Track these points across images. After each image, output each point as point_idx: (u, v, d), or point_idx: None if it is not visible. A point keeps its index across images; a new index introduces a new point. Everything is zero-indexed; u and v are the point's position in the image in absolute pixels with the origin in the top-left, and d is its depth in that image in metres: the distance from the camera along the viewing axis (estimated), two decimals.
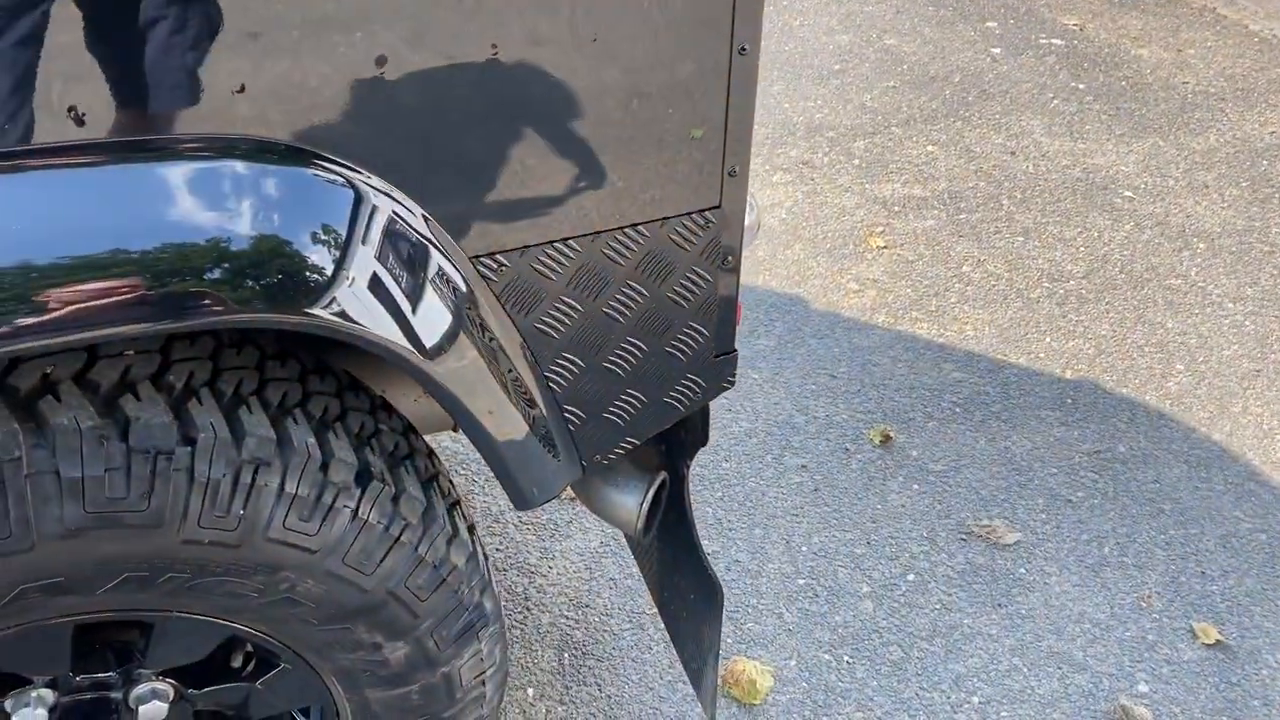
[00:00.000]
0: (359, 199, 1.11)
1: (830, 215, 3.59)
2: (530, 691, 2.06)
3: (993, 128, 4.14)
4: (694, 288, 1.33)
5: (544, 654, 2.12)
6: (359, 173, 1.12)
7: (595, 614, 2.21)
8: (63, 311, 0.99)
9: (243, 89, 1.04)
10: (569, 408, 1.35)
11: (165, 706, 1.31)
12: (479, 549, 1.39)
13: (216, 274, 1.04)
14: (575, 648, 2.14)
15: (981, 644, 2.21)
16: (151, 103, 1.02)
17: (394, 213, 1.13)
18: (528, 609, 2.21)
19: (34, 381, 1.08)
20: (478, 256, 1.20)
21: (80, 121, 0.99)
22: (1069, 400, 2.86)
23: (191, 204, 1.04)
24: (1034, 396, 2.87)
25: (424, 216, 1.16)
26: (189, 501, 1.11)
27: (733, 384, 1.45)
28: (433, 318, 1.16)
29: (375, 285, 1.12)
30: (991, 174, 3.86)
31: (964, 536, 2.45)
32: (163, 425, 1.10)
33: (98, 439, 1.07)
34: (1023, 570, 2.38)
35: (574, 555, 2.34)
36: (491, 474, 2.48)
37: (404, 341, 1.14)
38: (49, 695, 1.26)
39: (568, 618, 2.20)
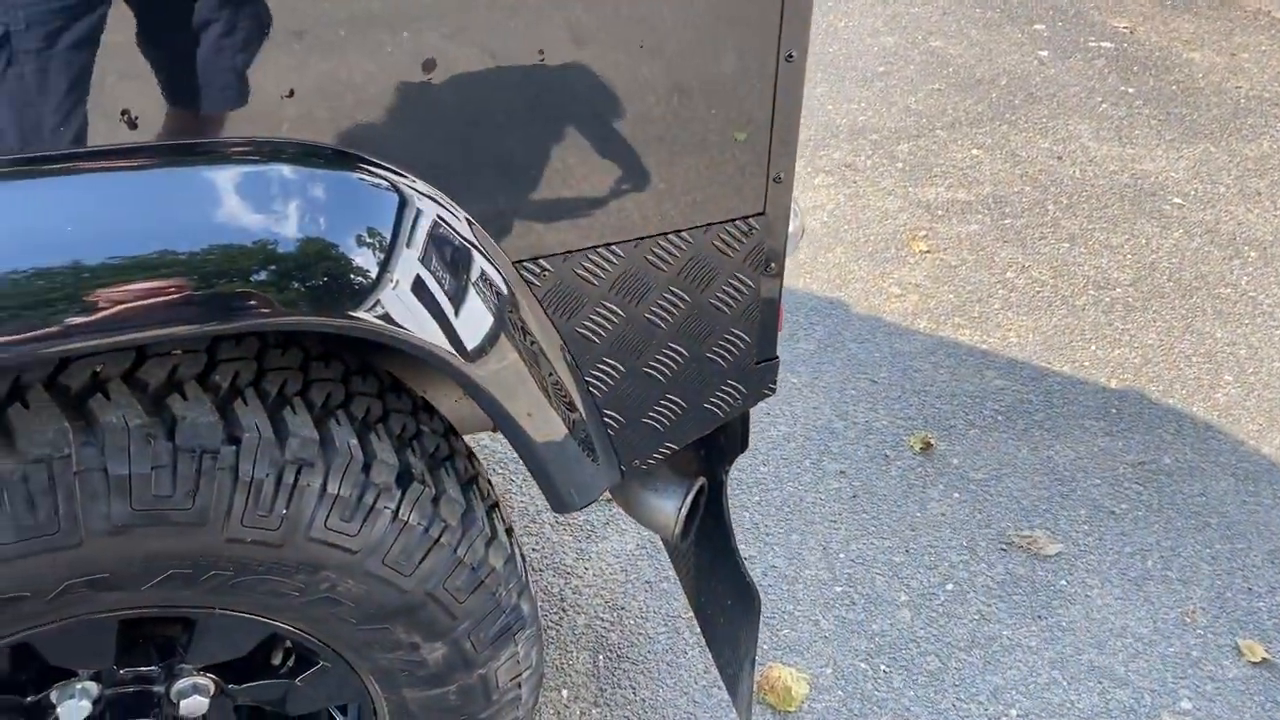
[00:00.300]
0: (403, 202, 1.12)
1: (873, 218, 3.56)
2: (565, 693, 2.06)
3: (1039, 132, 4.09)
4: (736, 294, 1.32)
5: (579, 656, 2.13)
6: (404, 176, 1.13)
7: (631, 617, 2.21)
8: (112, 313, 1.00)
9: (291, 94, 1.04)
10: (609, 412, 1.35)
11: (206, 701, 1.33)
12: (517, 551, 1.39)
13: (263, 277, 1.05)
14: (610, 650, 2.14)
15: (1020, 656, 2.18)
16: (202, 105, 1.03)
17: (438, 216, 1.14)
18: (563, 610, 2.22)
19: (84, 380, 1.10)
20: (521, 261, 1.20)
21: (133, 124, 1.00)
22: (1114, 410, 2.82)
23: (239, 207, 1.05)
24: (1078, 405, 2.83)
25: (467, 220, 1.16)
26: (233, 500, 1.12)
27: (774, 391, 1.44)
28: (475, 321, 1.16)
29: (419, 288, 1.12)
30: (1037, 179, 3.81)
31: (1004, 546, 2.42)
32: (209, 425, 1.11)
33: (145, 437, 1.08)
34: (1064, 582, 2.35)
35: (610, 557, 2.34)
36: (529, 474, 2.49)
37: (446, 344, 1.14)
38: (93, 688, 1.28)
39: (603, 620, 2.20)
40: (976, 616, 2.26)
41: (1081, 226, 3.56)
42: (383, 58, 1.06)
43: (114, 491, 1.07)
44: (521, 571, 1.39)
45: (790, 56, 1.19)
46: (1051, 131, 4.09)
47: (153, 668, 1.31)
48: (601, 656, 2.13)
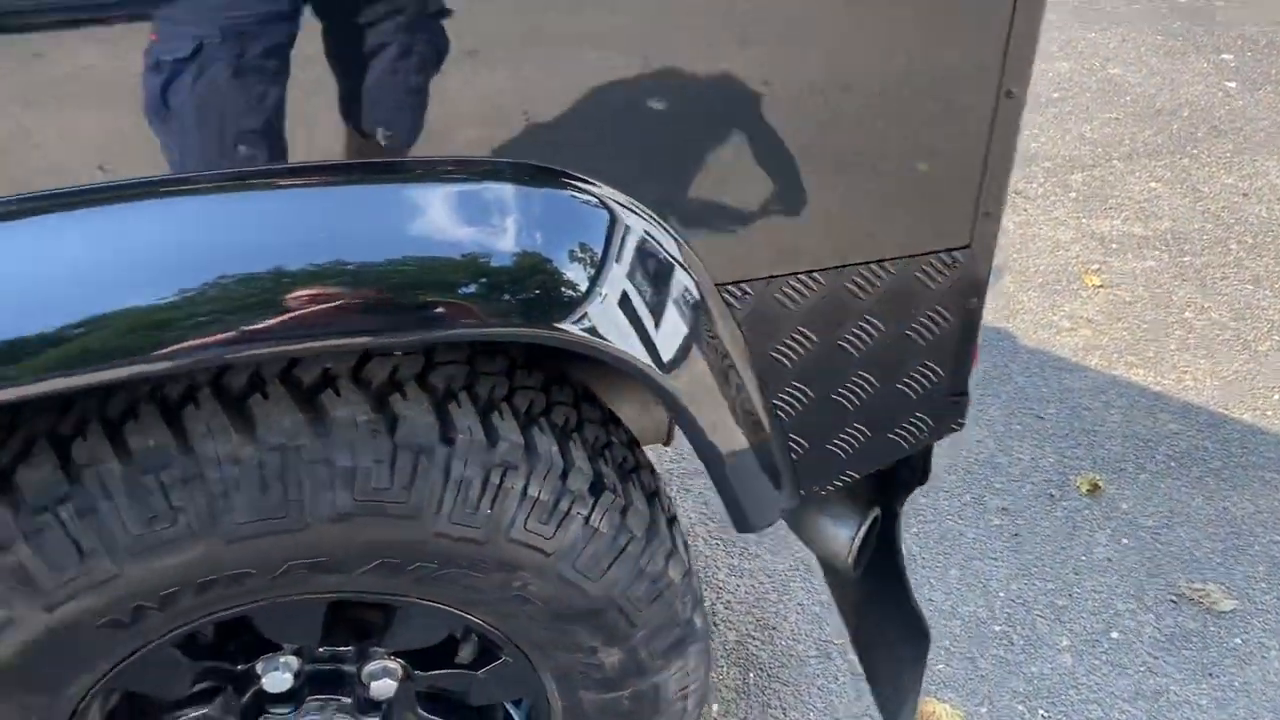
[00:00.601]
0: (613, 219, 1.15)
1: (1044, 249, 3.47)
2: (715, 708, 2.08)
3: (1223, 166, 3.92)
4: (933, 326, 1.32)
5: (729, 671, 2.14)
6: (613, 193, 1.16)
7: (782, 637, 2.22)
8: (346, 318, 1.07)
9: (525, 114, 1.09)
10: (794, 436, 1.36)
11: (394, 685, 1.39)
12: (692, 566, 1.42)
13: (482, 289, 1.10)
14: (761, 669, 2.15)
15: (1189, 713, 2.09)
16: (398, 122, 1.06)
17: (645, 233, 1.17)
18: (715, 625, 2.24)
19: (316, 376, 1.17)
20: (723, 284, 1.22)
21: (319, 140, 1.05)
22: None
23: (460, 223, 1.10)
24: (1258, 456, 2.70)
25: (673, 238, 1.19)
26: (444, 497, 1.18)
27: (962, 426, 1.43)
28: (673, 336, 1.19)
29: (624, 303, 1.16)
30: (1220, 216, 3.65)
31: (1174, 598, 2.32)
32: (427, 425, 1.17)
33: (370, 432, 1.15)
34: (1238, 640, 2.24)
35: (762, 575, 2.35)
36: (684, 487, 2.52)
37: (647, 358, 1.18)
38: (294, 662, 1.36)
39: (754, 638, 2.21)
40: (1143, 668, 2.18)
41: (1267, 268, 3.39)
42: (596, 77, 1.10)
43: (339, 481, 1.14)
44: (696, 586, 1.42)
45: (1010, 93, 1.18)
46: (1237, 167, 3.91)
47: (349, 648, 1.38)
48: (752, 674, 2.14)
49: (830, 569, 1.80)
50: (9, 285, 0.99)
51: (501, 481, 1.20)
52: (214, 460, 1.10)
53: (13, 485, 1.09)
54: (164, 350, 1.01)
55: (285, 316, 1.04)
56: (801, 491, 1.41)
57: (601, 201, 1.15)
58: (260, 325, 1.04)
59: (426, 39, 1.04)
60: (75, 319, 0.99)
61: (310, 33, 1.01)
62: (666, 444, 1.75)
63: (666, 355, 1.19)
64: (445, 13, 1.03)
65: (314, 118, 1.04)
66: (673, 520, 1.42)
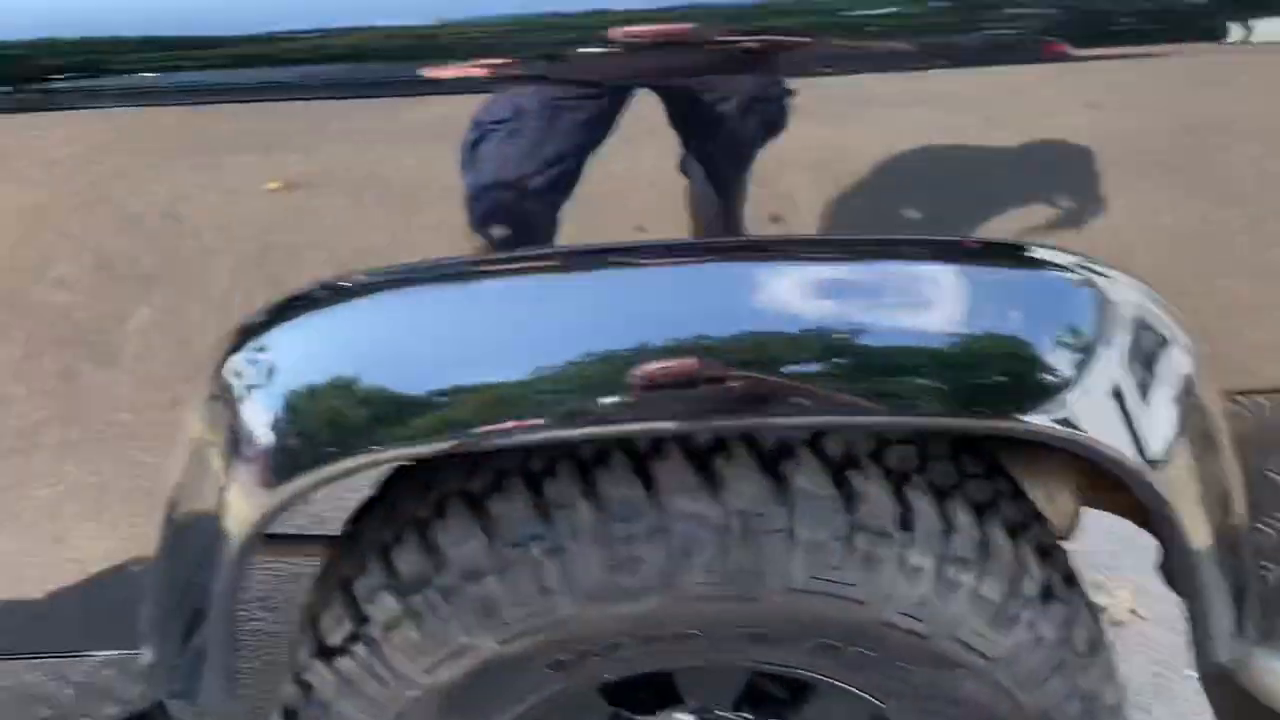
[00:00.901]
0: (1104, 302, 1.06)
1: None
2: None
3: None
4: None
5: None
6: (1101, 272, 1.06)
7: None
8: (813, 399, 1.04)
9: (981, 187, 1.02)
10: (1266, 564, 1.21)
11: None
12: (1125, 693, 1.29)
13: (943, 375, 1.04)
14: None
15: None
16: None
17: (1140, 315, 1.06)
18: None
19: (775, 441, 1.15)
20: (1233, 393, 1.10)
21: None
22: None
23: (921, 305, 1.04)
24: None
25: (1169, 318, 1.08)
26: (896, 584, 1.12)
27: None
28: (1163, 429, 1.08)
29: (1110, 390, 1.07)
30: None
31: None
32: (886, 506, 1.12)
33: (831, 508, 1.11)
34: None
35: None
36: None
37: (1134, 452, 1.07)
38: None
39: None
40: None
41: None
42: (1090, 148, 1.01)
43: (795, 554, 1.10)
44: (1124, 714, 1.30)
45: None
46: None
47: (747, 715, 1.35)
48: None
49: (1212, 688, 1.61)
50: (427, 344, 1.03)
51: (955, 577, 1.13)
52: (681, 517, 1.09)
53: (489, 516, 1.12)
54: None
55: (759, 392, 1.03)
56: (1263, 625, 1.25)
57: (1087, 280, 1.06)
58: (750, 397, 1.04)
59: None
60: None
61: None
62: (1066, 539, 1.63)
63: (1154, 450, 1.09)
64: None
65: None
66: (1106, 636, 1.30)
